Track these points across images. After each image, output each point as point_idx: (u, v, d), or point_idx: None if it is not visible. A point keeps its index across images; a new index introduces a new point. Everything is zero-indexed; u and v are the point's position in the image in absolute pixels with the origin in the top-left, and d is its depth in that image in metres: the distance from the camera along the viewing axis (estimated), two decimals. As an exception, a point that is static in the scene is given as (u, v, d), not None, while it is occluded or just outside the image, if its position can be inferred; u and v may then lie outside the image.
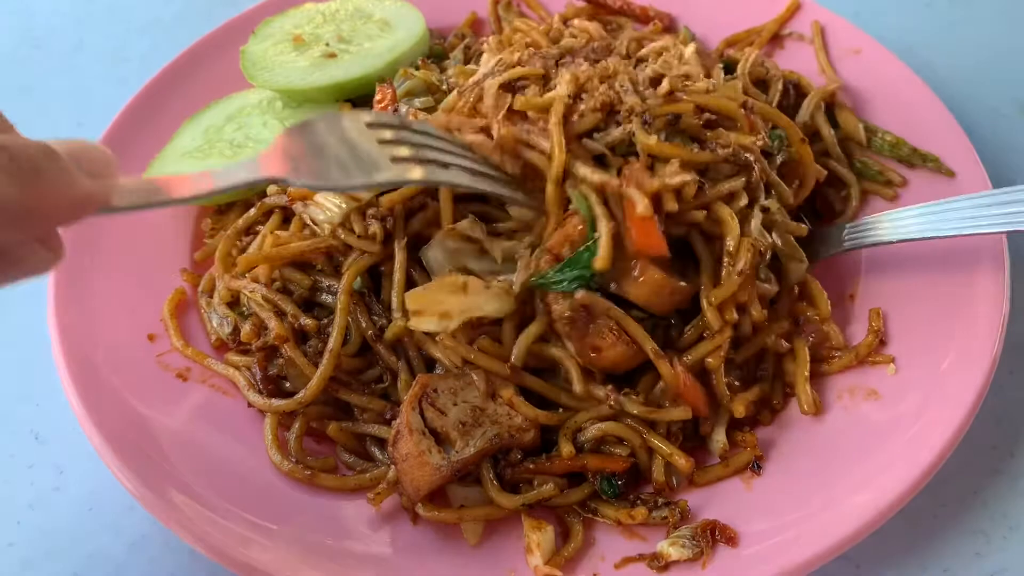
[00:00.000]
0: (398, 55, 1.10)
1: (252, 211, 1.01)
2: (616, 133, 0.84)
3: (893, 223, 0.94)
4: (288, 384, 0.91)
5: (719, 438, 0.86)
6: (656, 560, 0.78)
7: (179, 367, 0.92)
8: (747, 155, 0.88)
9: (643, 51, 1.00)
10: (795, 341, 0.91)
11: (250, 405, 0.90)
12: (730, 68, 1.12)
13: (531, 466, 0.83)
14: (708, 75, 0.96)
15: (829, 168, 1.05)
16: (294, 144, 0.74)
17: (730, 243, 0.85)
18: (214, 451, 0.86)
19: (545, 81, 0.89)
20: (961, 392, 0.83)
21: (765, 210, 0.91)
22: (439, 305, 0.83)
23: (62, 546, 0.86)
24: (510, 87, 0.88)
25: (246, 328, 0.92)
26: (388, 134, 0.79)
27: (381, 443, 0.87)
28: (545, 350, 0.86)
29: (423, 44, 1.16)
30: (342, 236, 0.91)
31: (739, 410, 0.86)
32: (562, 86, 0.86)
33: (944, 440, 0.80)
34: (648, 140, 0.83)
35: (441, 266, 0.87)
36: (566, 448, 0.83)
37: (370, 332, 0.89)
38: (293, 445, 0.87)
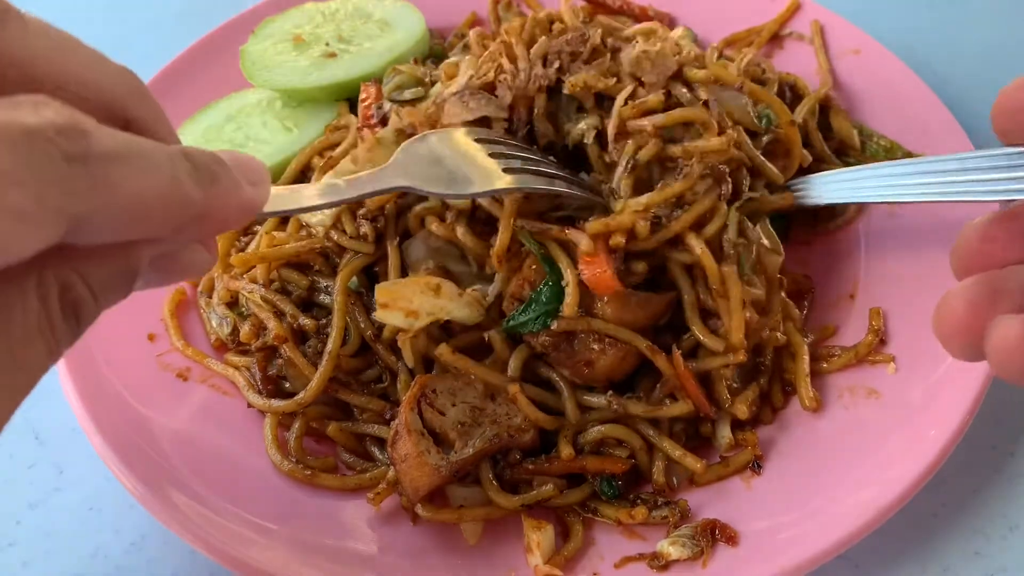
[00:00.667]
0: (398, 55, 1.10)
1: (251, 211, 1.01)
2: None
3: (823, 185, 0.96)
4: (288, 384, 0.91)
5: (724, 434, 0.86)
6: (656, 559, 0.78)
7: (179, 367, 0.92)
8: (720, 165, 0.87)
9: (629, 31, 1.00)
10: (792, 336, 0.91)
11: (250, 405, 0.90)
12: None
13: (530, 467, 0.83)
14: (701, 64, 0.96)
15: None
16: (414, 155, 0.81)
17: (713, 283, 0.85)
18: (214, 451, 0.86)
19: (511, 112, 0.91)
20: (961, 392, 0.83)
21: (751, 199, 0.91)
22: (407, 302, 0.84)
23: (62, 546, 0.86)
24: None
25: (245, 328, 0.92)
26: (494, 148, 0.85)
27: (381, 443, 0.87)
28: (538, 368, 0.87)
29: (423, 44, 1.16)
30: (335, 237, 0.92)
31: (741, 411, 0.86)
32: (508, 204, 0.85)
33: (944, 439, 0.80)
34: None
35: (419, 261, 0.88)
36: (566, 450, 0.83)
37: (368, 332, 0.89)
38: (293, 445, 0.87)
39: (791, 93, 1.10)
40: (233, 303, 0.97)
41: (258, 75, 1.10)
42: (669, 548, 0.78)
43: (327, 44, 1.13)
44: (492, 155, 0.84)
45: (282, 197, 0.68)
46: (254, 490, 0.83)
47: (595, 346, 0.83)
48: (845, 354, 0.91)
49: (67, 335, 0.49)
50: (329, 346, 0.88)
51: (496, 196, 0.85)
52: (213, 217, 0.51)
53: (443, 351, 0.85)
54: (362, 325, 0.90)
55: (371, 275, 0.92)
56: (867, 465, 0.81)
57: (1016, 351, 0.49)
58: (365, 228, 0.90)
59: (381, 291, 0.84)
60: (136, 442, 0.83)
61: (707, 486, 0.84)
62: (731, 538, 0.78)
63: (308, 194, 0.70)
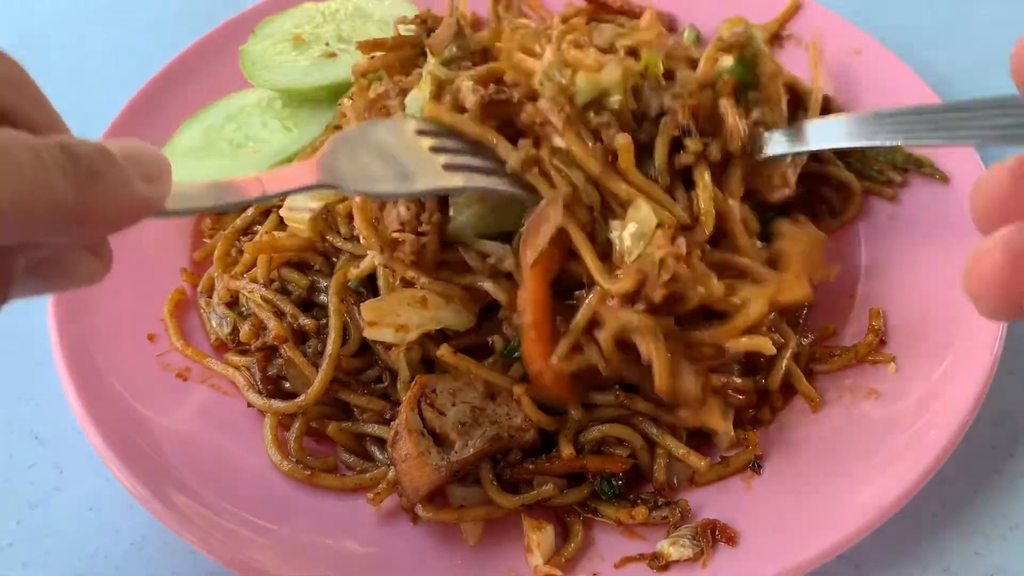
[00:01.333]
0: (398, 55, 1.10)
1: (251, 211, 1.02)
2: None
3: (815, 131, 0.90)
4: (288, 384, 0.91)
5: (727, 432, 0.85)
6: (656, 560, 0.78)
7: (179, 367, 0.92)
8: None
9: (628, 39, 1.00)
10: (786, 336, 0.90)
11: (250, 405, 0.90)
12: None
13: (531, 467, 0.83)
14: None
15: (826, 173, 1.05)
16: (349, 149, 0.75)
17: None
18: (214, 451, 0.86)
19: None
20: (961, 392, 0.83)
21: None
22: (396, 317, 0.83)
23: (62, 546, 0.86)
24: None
25: (245, 328, 0.92)
26: (435, 141, 0.80)
27: (381, 443, 0.87)
28: None
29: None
30: (329, 239, 0.92)
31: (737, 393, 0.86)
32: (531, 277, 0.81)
33: (944, 440, 0.80)
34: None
35: None
36: (566, 450, 0.83)
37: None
38: (293, 445, 0.87)
39: (791, 94, 1.10)
40: (233, 303, 0.97)
41: (258, 75, 1.10)
42: (669, 548, 0.78)
43: (327, 44, 1.13)
44: (435, 149, 0.80)
45: (193, 195, 0.62)
46: (254, 490, 0.83)
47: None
48: (845, 354, 0.91)
49: None
50: (329, 348, 0.88)
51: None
52: (94, 218, 0.46)
53: (444, 352, 0.85)
54: (362, 325, 0.90)
55: (371, 275, 0.92)
56: (867, 465, 0.81)
57: None
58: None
59: (367, 309, 0.84)
60: (136, 442, 0.83)
61: (707, 486, 0.84)
62: (731, 538, 0.78)
63: (226, 191, 0.64)
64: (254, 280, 0.95)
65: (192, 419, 0.88)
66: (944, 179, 1.02)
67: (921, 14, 1.39)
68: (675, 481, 0.84)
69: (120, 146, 0.50)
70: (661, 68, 0.88)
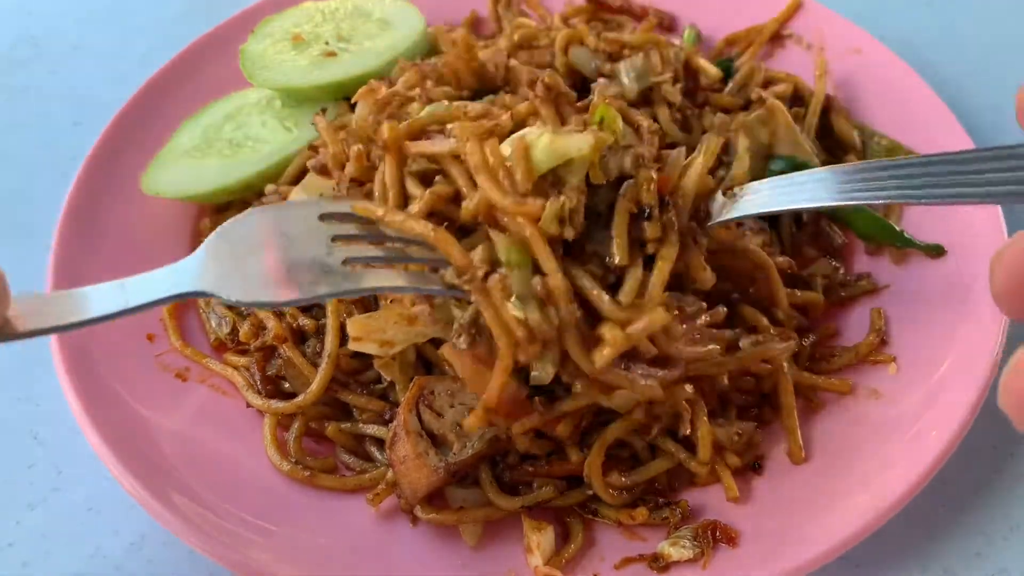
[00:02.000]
0: (397, 54, 1.10)
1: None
2: None
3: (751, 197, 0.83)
4: (287, 384, 0.91)
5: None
6: (656, 561, 0.78)
7: (178, 367, 0.92)
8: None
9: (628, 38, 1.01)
10: (779, 377, 0.87)
11: (249, 405, 0.90)
12: (727, 69, 1.12)
13: (530, 469, 0.83)
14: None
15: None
16: (233, 245, 0.66)
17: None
18: (213, 451, 0.86)
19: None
20: (962, 392, 0.83)
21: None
22: (381, 333, 0.82)
23: (61, 546, 0.86)
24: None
25: (244, 328, 0.92)
26: (341, 228, 0.71)
27: (380, 444, 0.87)
28: None
29: (423, 43, 1.16)
30: None
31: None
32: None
33: (945, 440, 0.80)
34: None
35: None
36: (575, 456, 0.82)
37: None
38: (292, 445, 0.87)
39: (792, 94, 1.10)
40: (232, 303, 0.97)
41: (257, 74, 1.10)
42: (669, 549, 0.77)
43: (327, 43, 1.13)
44: (336, 239, 0.70)
45: (47, 312, 0.57)
46: (253, 491, 0.83)
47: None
48: (846, 354, 0.91)
49: None
50: (328, 347, 0.88)
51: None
52: None
53: (445, 351, 0.84)
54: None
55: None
56: (868, 465, 0.81)
57: None
58: None
59: (353, 325, 0.82)
60: (135, 442, 0.83)
61: (708, 487, 0.84)
62: (731, 539, 0.78)
63: (80, 304, 0.59)
64: (254, 280, 0.95)
65: (191, 419, 0.88)
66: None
67: (922, 13, 1.39)
68: (676, 482, 0.84)
69: None
70: (620, 124, 0.78)
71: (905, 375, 0.88)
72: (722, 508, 0.81)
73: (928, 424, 0.82)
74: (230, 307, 0.96)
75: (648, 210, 0.75)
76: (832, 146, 1.09)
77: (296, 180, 1.02)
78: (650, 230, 0.75)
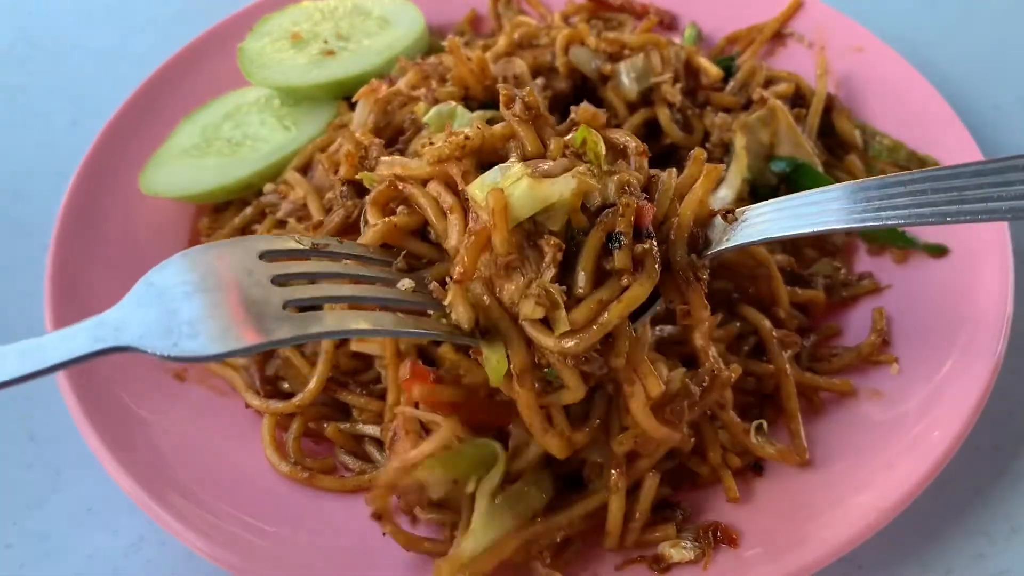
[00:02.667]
0: (397, 52, 1.10)
1: (248, 210, 1.01)
2: None
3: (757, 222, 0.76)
4: (286, 385, 0.91)
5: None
6: (657, 562, 0.77)
7: (176, 368, 0.92)
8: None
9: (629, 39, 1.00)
10: (783, 380, 0.87)
11: (248, 406, 0.89)
12: (728, 68, 1.12)
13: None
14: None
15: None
16: (159, 293, 0.59)
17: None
18: (212, 452, 0.85)
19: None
20: (964, 393, 0.82)
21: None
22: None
23: (59, 548, 0.86)
24: None
25: (244, 328, 0.92)
26: (284, 267, 0.64)
27: (380, 444, 0.86)
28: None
29: (422, 42, 1.15)
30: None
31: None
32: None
33: (947, 441, 0.80)
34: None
35: None
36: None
37: (368, 331, 0.89)
38: (291, 446, 0.86)
39: (793, 93, 1.09)
40: (231, 303, 0.96)
41: (256, 73, 1.09)
42: (670, 550, 0.77)
43: (325, 42, 1.13)
44: (277, 280, 0.63)
45: None
46: (251, 492, 0.83)
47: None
48: (848, 354, 0.91)
49: None
50: (324, 345, 0.87)
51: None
52: None
53: (445, 350, 0.84)
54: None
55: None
56: (870, 466, 0.81)
57: None
58: None
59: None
60: (133, 444, 0.82)
61: (708, 487, 0.83)
62: (733, 540, 0.78)
63: None
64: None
65: (190, 420, 0.88)
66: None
67: (923, 12, 1.38)
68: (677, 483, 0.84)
69: None
70: (602, 149, 0.73)
71: (907, 375, 0.88)
72: (723, 509, 0.81)
73: (930, 424, 0.82)
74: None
75: (617, 238, 0.68)
76: (833, 145, 1.08)
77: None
78: (618, 259, 0.68)
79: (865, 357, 0.90)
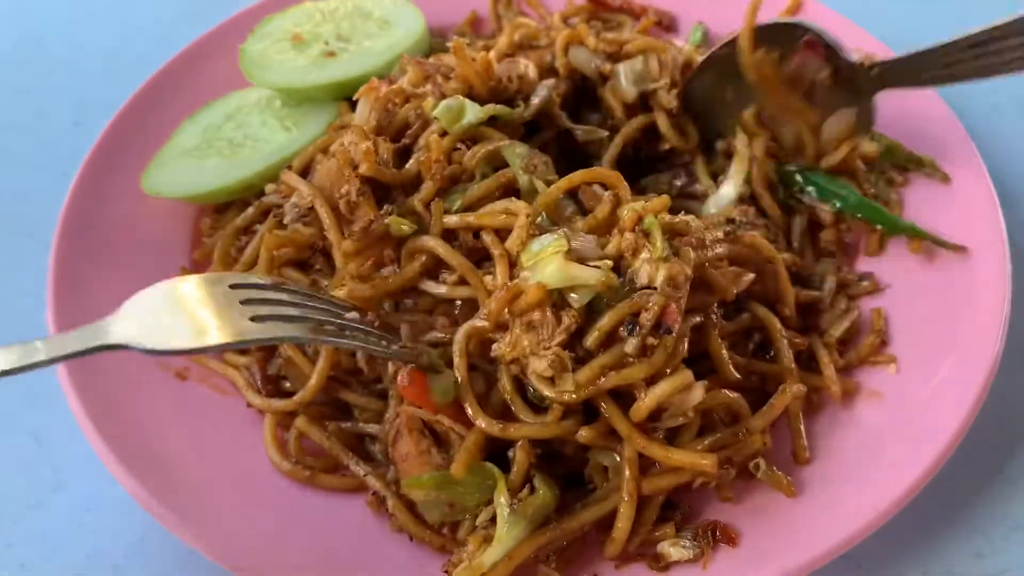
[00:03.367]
0: (397, 53, 1.10)
1: (250, 210, 1.01)
2: None
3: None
4: (288, 384, 0.91)
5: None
6: (657, 560, 0.77)
7: (178, 366, 0.92)
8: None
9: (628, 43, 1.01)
10: (787, 382, 0.86)
11: (249, 405, 0.90)
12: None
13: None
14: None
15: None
16: (148, 302, 0.74)
17: None
18: (213, 451, 0.86)
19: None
20: (962, 392, 0.83)
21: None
22: None
23: (61, 547, 0.86)
24: None
25: (245, 328, 0.92)
26: (250, 294, 0.78)
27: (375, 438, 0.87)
28: None
29: (423, 43, 1.15)
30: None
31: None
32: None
33: (945, 440, 0.80)
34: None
35: None
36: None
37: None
38: (292, 445, 0.87)
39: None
40: (232, 303, 0.96)
41: (257, 74, 1.10)
42: (670, 549, 0.77)
43: (326, 43, 1.13)
44: (246, 302, 0.77)
45: None
46: (253, 490, 0.83)
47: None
48: (847, 354, 0.91)
49: None
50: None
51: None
52: None
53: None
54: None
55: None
56: (869, 465, 0.81)
57: None
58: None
59: None
60: (134, 442, 0.83)
61: (708, 487, 0.83)
62: (732, 539, 0.78)
63: None
64: (253, 280, 0.94)
65: (191, 419, 0.88)
66: (945, 179, 1.01)
67: (923, 12, 1.39)
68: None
69: None
70: (660, 244, 0.76)
71: (906, 376, 0.88)
72: (722, 508, 0.81)
73: (928, 424, 0.82)
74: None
75: (635, 325, 0.73)
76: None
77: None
78: (629, 345, 0.74)
79: (864, 358, 0.90)
